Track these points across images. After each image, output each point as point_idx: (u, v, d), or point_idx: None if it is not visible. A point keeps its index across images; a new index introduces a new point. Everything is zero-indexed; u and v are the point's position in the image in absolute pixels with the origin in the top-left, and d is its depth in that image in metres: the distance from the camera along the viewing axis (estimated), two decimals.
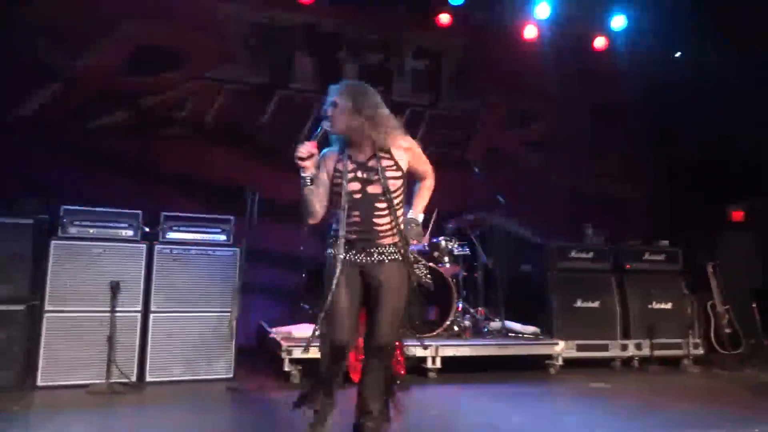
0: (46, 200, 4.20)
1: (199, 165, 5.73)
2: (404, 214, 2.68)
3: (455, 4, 6.25)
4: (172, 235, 4.31)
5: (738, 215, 6.79)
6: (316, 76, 6.41)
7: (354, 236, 2.57)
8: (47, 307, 3.89)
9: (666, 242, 5.68)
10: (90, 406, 3.55)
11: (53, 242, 3.97)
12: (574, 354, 5.01)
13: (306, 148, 2.54)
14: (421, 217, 2.72)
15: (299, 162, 2.54)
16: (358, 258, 2.57)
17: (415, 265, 2.66)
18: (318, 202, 2.60)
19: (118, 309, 3.95)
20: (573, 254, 5.36)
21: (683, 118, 6.76)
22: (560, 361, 4.80)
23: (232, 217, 4.48)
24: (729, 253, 6.20)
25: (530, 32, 6.54)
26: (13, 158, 5.04)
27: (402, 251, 2.59)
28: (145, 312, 4.10)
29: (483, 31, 6.64)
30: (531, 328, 5.10)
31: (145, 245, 4.19)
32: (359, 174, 2.58)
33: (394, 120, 2.64)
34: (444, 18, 6.39)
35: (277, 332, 4.58)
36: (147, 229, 4.30)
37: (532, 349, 4.85)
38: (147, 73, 5.82)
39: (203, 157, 5.79)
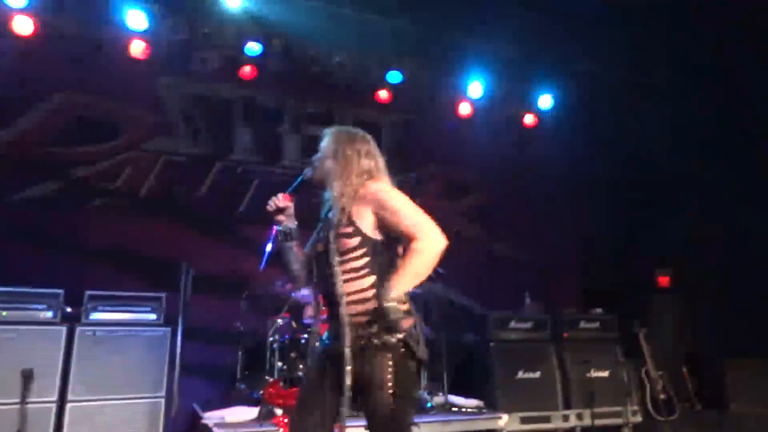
0: None
1: (131, 239, 5.48)
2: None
3: (393, 82, 6.53)
4: (96, 316, 4.07)
5: (664, 280, 7.13)
6: (256, 149, 6.44)
7: (321, 312, 2.20)
8: None
9: (600, 310, 5.86)
10: None
11: None
12: (518, 427, 4.95)
13: (276, 200, 2.27)
14: (394, 294, 1.99)
15: (271, 216, 2.28)
16: (329, 344, 2.12)
17: (391, 353, 2.01)
18: (296, 262, 2.30)
19: (28, 401, 3.60)
20: (513, 324, 5.42)
21: (610, 185, 7.20)
22: None
23: (163, 295, 4.29)
24: (658, 318, 6.47)
25: (464, 109, 6.88)
26: None
27: (367, 336, 2.01)
28: (61, 402, 3.76)
29: (420, 107, 6.94)
30: (474, 402, 5.03)
31: (65, 327, 3.91)
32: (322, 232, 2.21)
33: (377, 172, 2.24)
34: (383, 95, 6.64)
35: (210, 417, 4.30)
36: (69, 310, 4.04)
37: (476, 424, 4.75)
38: (81, 143, 5.65)
39: (136, 231, 5.55)
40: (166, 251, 5.31)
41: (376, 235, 2.13)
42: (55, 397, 3.73)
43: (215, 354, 5.30)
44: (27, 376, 3.61)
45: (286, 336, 4.97)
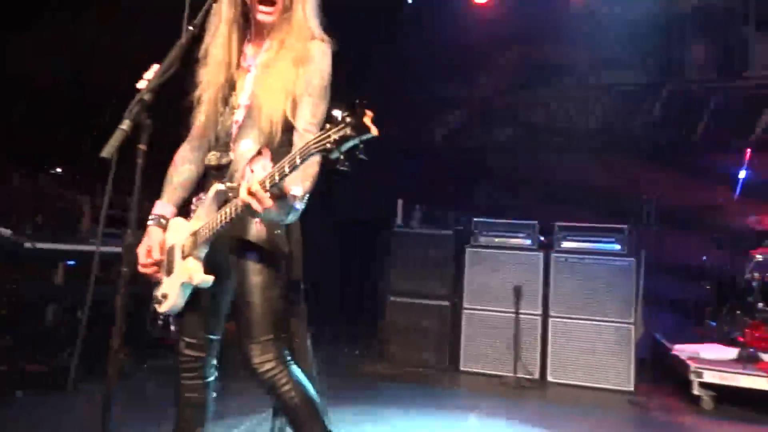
0: (461, 213, 4.97)
1: (586, 174, 5.76)
2: None
3: None
4: (566, 245, 4.50)
5: None
6: (711, 63, 5.65)
7: None
8: (465, 305, 4.59)
9: None
10: (501, 395, 4.02)
11: (468, 249, 4.66)
12: None
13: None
14: None
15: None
16: None
17: None
18: None
19: (520, 311, 4.36)
20: None
21: None
22: None
23: (626, 227, 4.37)
24: None
25: None
26: (431, 178, 6.15)
27: None
28: (545, 316, 4.39)
29: None
30: None
31: (541, 253, 4.50)
32: None
33: None
34: None
35: (681, 350, 4.23)
36: (542, 239, 4.61)
37: None
38: (531, 88, 6.23)
39: (589, 166, 5.80)
40: (623, 183, 5.36)
41: None
42: (539, 311, 4.39)
43: (678, 287, 5.13)
44: (517, 292, 4.36)
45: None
